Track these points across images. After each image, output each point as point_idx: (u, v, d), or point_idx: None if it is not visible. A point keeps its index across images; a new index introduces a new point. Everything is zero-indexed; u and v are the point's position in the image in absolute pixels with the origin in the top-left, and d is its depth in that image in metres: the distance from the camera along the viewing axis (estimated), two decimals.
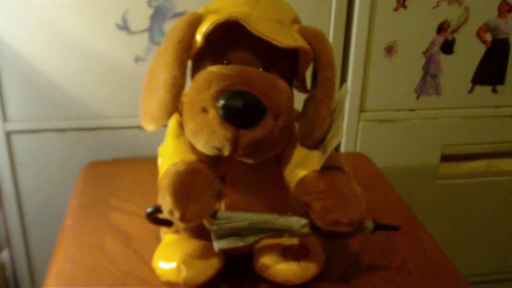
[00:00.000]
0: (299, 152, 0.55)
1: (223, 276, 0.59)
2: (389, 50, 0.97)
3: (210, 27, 0.51)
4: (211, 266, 0.58)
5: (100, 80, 0.91)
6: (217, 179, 0.53)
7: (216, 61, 0.53)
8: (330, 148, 0.53)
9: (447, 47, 1.00)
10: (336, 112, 0.55)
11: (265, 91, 0.49)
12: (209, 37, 0.52)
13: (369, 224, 0.56)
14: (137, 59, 0.90)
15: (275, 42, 0.50)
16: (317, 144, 0.55)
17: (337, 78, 0.95)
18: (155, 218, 0.55)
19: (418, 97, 1.02)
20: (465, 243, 1.19)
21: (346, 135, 1.03)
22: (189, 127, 0.51)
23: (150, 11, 0.88)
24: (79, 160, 0.90)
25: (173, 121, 0.59)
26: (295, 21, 0.57)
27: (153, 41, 0.89)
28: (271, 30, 0.51)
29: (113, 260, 0.63)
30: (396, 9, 0.95)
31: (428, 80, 1.01)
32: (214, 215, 0.52)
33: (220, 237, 0.53)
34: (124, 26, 0.88)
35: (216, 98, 0.49)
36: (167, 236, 0.62)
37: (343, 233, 0.53)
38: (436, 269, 0.64)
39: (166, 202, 0.49)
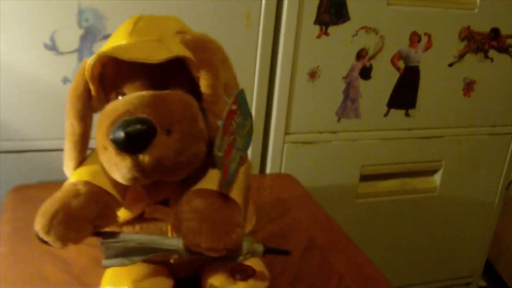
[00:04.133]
0: (211, 169, 0.56)
1: None
2: (312, 75, 1.02)
3: (88, 72, 0.53)
4: None
5: (26, 101, 0.87)
6: (100, 202, 0.53)
7: (117, 96, 0.55)
8: (220, 172, 0.53)
9: (365, 73, 1.06)
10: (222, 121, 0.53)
11: (151, 110, 0.50)
12: (103, 78, 0.55)
13: (259, 248, 0.57)
14: (65, 80, 0.88)
15: (149, 61, 0.51)
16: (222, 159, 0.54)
17: (263, 101, 1.01)
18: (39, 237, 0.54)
19: (339, 120, 1.08)
20: (385, 257, 1.26)
21: (272, 157, 1.06)
22: (104, 166, 0.53)
23: (80, 32, 0.86)
24: (3, 184, 0.86)
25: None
26: (180, 32, 0.58)
27: (82, 61, 0.88)
28: (144, 51, 0.52)
29: (54, 287, 0.61)
30: (319, 36, 0.99)
31: (348, 104, 1.07)
32: (103, 235, 0.54)
33: (110, 256, 0.54)
34: (52, 47, 0.86)
35: (107, 135, 0.50)
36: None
37: (229, 256, 0.53)
38: (371, 282, 0.68)
39: (37, 222, 0.51)
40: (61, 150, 0.90)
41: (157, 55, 0.51)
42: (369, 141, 1.12)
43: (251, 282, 0.59)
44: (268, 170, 1.07)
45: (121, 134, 0.48)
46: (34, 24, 0.84)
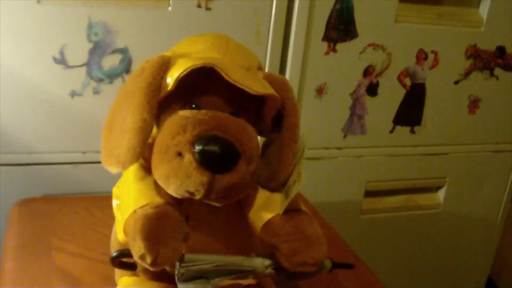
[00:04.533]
0: (262, 195, 0.57)
1: None
2: (320, 91, 1.02)
3: (185, 72, 0.51)
4: None
5: (33, 113, 0.87)
6: (184, 221, 0.53)
7: (185, 105, 0.54)
8: (293, 192, 0.55)
9: (372, 90, 1.06)
10: (297, 157, 0.57)
11: (238, 136, 0.50)
12: (179, 81, 0.52)
13: (328, 264, 0.59)
14: (73, 94, 0.88)
15: (248, 90, 0.51)
16: (279, 187, 0.57)
17: None
18: (119, 261, 0.54)
19: (345, 136, 1.08)
20: (388, 273, 1.25)
21: None
22: (161, 170, 0.51)
23: (89, 46, 0.86)
24: (8, 197, 0.86)
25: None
26: (260, 68, 0.59)
27: (90, 76, 0.88)
28: (242, 77, 0.52)
29: None
30: (327, 53, 1.00)
31: (354, 120, 1.07)
32: (181, 258, 0.52)
33: (185, 280, 0.52)
34: (61, 60, 0.86)
35: (192, 143, 0.49)
36: (125, 279, 0.60)
37: (305, 273, 0.55)
38: None
39: (137, 247, 0.48)
40: (68, 163, 0.91)
41: (256, 86, 0.52)
42: (375, 157, 1.12)
43: None
44: None
45: (216, 149, 0.48)
46: (44, 37, 0.84)
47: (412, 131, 1.13)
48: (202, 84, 0.54)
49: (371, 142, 1.11)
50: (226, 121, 0.51)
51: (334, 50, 1.00)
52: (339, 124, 1.07)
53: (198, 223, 0.58)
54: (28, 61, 0.84)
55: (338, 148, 1.08)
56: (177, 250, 0.50)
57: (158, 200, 0.53)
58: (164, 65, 0.54)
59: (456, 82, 1.13)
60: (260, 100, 0.57)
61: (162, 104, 0.55)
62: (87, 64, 0.87)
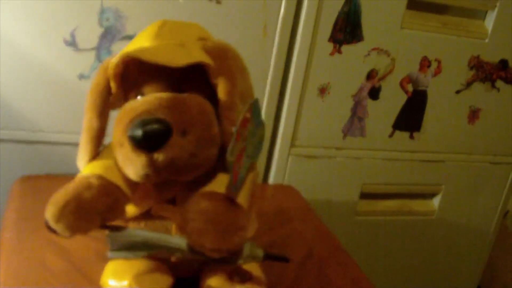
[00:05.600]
0: (220, 173, 0.57)
1: None
2: (322, 91, 1.04)
3: (111, 70, 0.55)
4: (161, 285, 0.59)
5: (41, 93, 0.89)
6: (110, 196, 0.55)
7: (136, 97, 0.57)
8: (231, 176, 0.53)
9: (374, 93, 1.08)
10: (237, 127, 0.53)
11: (169, 112, 0.52)
12: (125, 78, 0.57)
13: (259, 253, 0.59)
14: (81, 77, 0.90)
15: (170, 64, 0.53)
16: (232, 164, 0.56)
17: (272, 112, 1.02)
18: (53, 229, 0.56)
19: (344, 137, 1.09)
20: (380, 275, 1.27)
21: (276, 167, 1.07)
22: (118, 162, 0.55)
23: (100, 31, 0.88)
24: (12, 173, 0.88)
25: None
26: (202, 39, 0.60)
27: (99, 60, 0.90)
28: (166, 54, 0.54)
29: (56, 276, 0.63)
30: (332, 54, 1.02)
31: (355, 122, 1.09)
32: (110, 228, 0.56)
33: (115, 248, 0.58)
34: (72, 42, 0.88)
35: (125, 132, 0.52)
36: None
37: (229, 258, 0.55)
38: None
39: (47, 210, 0.52)
40: (73, 144, 0.93)
41: (179, 59, 0.54)
42: (372, 160, 1.14)
43: (248, 285, 0.61)
44: (271, 180, 1.08)
45: (139, 132, 0.51)
46: (56, 19, 0.86)
47: (411, 137, 1.15)
48: (143, 75, 0.56)
49: (370, 145, 1.12)
50: (154, 102, 0.53)
51: (339, 51, 1.02)
52: (340, 124, 1.08)
53: (184, 203, 0.59)
54: (39, 42, 0.87)
55: (337, 148, 1.10)
56: (88, 221, 0.53)
57: (101, 173, 0.56)
58: (106, 67, 0.57)
59: (458, 92, 1.14)
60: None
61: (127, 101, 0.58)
62: (96, 48, 0.89)
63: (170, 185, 0.59)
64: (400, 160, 1.16)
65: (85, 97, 0.89)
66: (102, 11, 0.87)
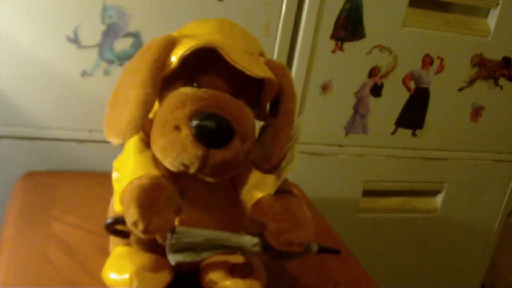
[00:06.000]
0: (255, 176, 0.59)
1: None
2: (325, 88, 1.04)
3: (188, 51, 0.53)
4: (161, 280, 0.59)
5: (44, 90, 0.90)
6: (178, 194, 0.55)
7: (187, 83, 0.56)
8: (285, 173, 0.57)
9: (376, 90, 1.08)
10: (292, 141, 0.59)
11: (235, 115, 0.53)
12: (183, 60, 0.55)
13: (314, 247, 0.61)
14: (84, 74, 0.91)
15: (247, 72, 0.54)
16: (272, 169, 0.59)
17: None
18: (113, 229, 0.56)
19: (346, 134, 1.10)
20: (382, 273, 1.27)
21: None
22: (159, 143, 0.53)
23: (102, 28, 0.89)
24: (15, 169, 0.89)
25: (134, 137, 0.60)
26: (261, 54, 0.62)
27: (102, 57, 0.90)
28: (243, 59, 0.55)
29: (58, 270, 0.63)
30: (334, 51, 1.02)
31: (357, 119, 1.09)
32: (172, 230, 0.54)
33: (176, 251, 0.55)
34: (74, 40, 0.88)
35: (190, 118, 0.51)
36: (118, 248, 0.62)
37: (291, 253, 0.57)
38: None
39: (131, 214, 0.51)
40: (76, 140, 0.94)
41: (256, 70, 0.55)
42: (375, 157, 1.14)
43: (248, 280, 0.61)
44: None
45: (212, 124, 0.51)
46: (59, 16, 0.86)
47: (414, 134, 1.15)
48: (204, 65, 0.56)
49: (372, 142, 1.12)
50: (224, 100, 0.53)
51: (341, 49, 1.02)
52: (342, 121, 1.08)
53: (192, 199, 0.60)
54: (42, 39, 0.87)
55: (339, 146, 1.10)
56: (168, 221, 0.53)
57: (155, 172, 0.56)
58: (170, 44, 0.56)
59: (460, 89, 1.14)
60: (259, 84, 0.59)
61: (165, 82, 0.58)
62: (99, 45, 0.90)
63: (183, 178, 0.58)
64: (402, 158, 1.16)
65: (87, 94, 0.91)
66: (105, 8, 0.88)
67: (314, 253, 0.61)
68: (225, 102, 0.53)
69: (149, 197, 0.52)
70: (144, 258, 0.60)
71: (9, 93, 0.88)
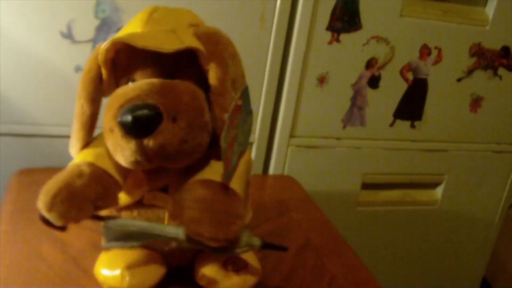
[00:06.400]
0: (214, 161, 0.57)
1: (165, 285, 0.60)
2: (321, 80, 1.03)
3: (102, 56, 0.55)
4: (154, 275, 0.59)
5: (37, 86, 0.89)
6: (102, 183, 0.55)
7: (127, 83, 0.57)
8: (223, 161, 0.54)
9: (374, 82, 1.07)
10: (229, 114, 0.54)
11: (160, 97, 0.52)
12: (115, 64, 0.57)
13: (256, 242, 0.58)
14: (78, 69, 0.90)
15: (161, 50, 0.53)
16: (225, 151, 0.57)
17: (271, 103, 1.02)
18: (45, 219, 0.55)
19: (344, 127, 1.09)
20: (382, 266, 1.27)
21: (276, 158, 1.07)
22: (109, 148, 0.55)
23: (96, 22, 0.88)
24: (10, 166, 0.88)
25: None
26: (193, 24, 0.60)
27: None
28: (157, 40, 0.54)
29: (51, 266, 0.63)
30: (330, 43, 1.01)
31: (355, 112, 1.08)
32: (104, 219, 0.56)
33: (110, 239, 0.58)
34: (68, 35, 0.88)
35: (115, 117, 0.52)
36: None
37: (227, 247, 0.55)
38: (363, 285, 0.69)
39: (39, 199, 0.53)
40: (68, 137, 0.93)
41: (170, 45, 0.53)
42: (373, 150, 1.13)
43: (242, 274, 0.60)
44: (271, 171, 1.08)
45: (128, 117, 0.50)
46: (52, 11, 0.86)
47: (412, 126, 1.14)
48: (133, 61, 0.56)
49: (370, 134, 1.11)
50: (146, 87, 0.53)
51: (338, 40, 1.01)
52: (339, 114, 1.07)
53: (176, 192, 0.59)
54: (35, 34, 0.86)
55: (337, 138, 1.09)
56: (83, 210, 0.53)
57: (92, 160, 0.56)
58: (97, 53, 0.57)
59: (459, 80, 1.13)
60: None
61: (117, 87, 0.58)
62: (93, 40, 0.89)
63: (162, 173, 0.59)
64: (401, 150, 1.15)
65: None
66: (98, 3, 0.87)
67: (257, 249, 0.59)
68: (147, 89, 0.53)
69: (61, 183, 0.53)
70: (135, 253, 0.60)
71: (2, 90, 0.88)
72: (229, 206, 0.54)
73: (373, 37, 1.03)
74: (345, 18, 0.99)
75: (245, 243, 0.58)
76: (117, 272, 0.57)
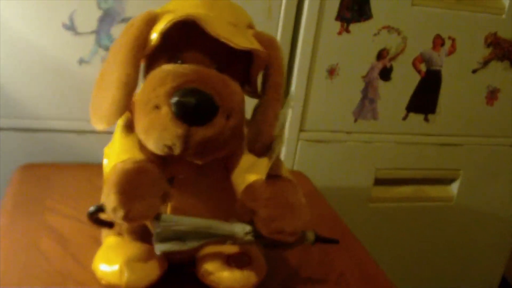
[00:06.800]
0: (248, 158, 0.56)
1: (165, 281, 0.58)
2: (331, 72, 1.00)
3: (167, 25, 0.51)
4: (154, 270, 0.57)
5: (41, 79, 0.87)
6: (164, 179, 0.52)
7: (170, 60, 0.53)
8: (275, 154, 0.54)
9: (385, 74, 1.04)
10: (281, 118, 0.55)
11: (219, 90, 0.50)
12: (165, 36, 0.52)
13: (311, 236, 0.57)
14: (81, 61, 0.88)
15: (231, 44, 0.50)
16: (263, 149, 0.55)
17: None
18: (96, 218, 0.54)
19: (355, 120, 1.06)
20: (395, 264, 1.23)
21: (285, 153, 1.04)
22: (141, 124, 0.51)
23: (98, 13, 0.86)
24: (14, 161, 0.87)
25: (121, 121, 0.58)
26: (250, 26, 0.58)
27: (99, 44, 0.88)
28: (227, 31, 0.52)
29: (48, 260, 0.61)
30: (340, 33, 0.98)
31: (366, 104, 1.05)
32: (158, 217, 0.51)
33: (162, 240, 0.52)
34: (70, 26, 0.86)
35: (170, 95, 0.48)
36: (109, 239, 0.60)
37: (285, 243, 0.54)
38: (372, 281, 0.66)
39: (110, 200, 0.48)
40: (75, 131, 0.92)
41: (241, 41, 0.51)
42: (385, 144, 1.10)
43: (246, 270, 0.58)
44: None
45: (191, 100, 0.47)
46: (54, 3, 0.84)
47: (426, 119, 1.11)
48: (187, 40, 0.53)
49: (382, 128, 1.08)
50: (207, 75, 0.50)
51: (347, 31, 0.98)
52: (350, 107, 1.05)
53: (184, 185, 0.57)
54: (37, 26, 0.85)
55: (348, 132, 1.06)
56: (152, 207, 0.50)
57: (140, 156, 0.53)
58: (151, 21, 0.53)
59: (474, 71, 1.09)
60: (248, 59, 0.56)
61: (149, 60, 0.55)
62: (96, 32, 0.87)
63: (173, 164, 0.56)
64: (415, 144, 1.12)
65: (85, 82, 0.89)
66: None
67: (311, 243, 0.58)
68: (208, 77, 0.50)
69: (131, 182, 0.49)
70: (135, 248, 0.58)
71: (5, 84, 0.86)
72: (298, 197, 0.54)
73: (384, 27, 1.00)
74: (355, 8, 0.96)
75: (302, 237, 0.57)
76: (116, 267, 0.55)
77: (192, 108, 0.47)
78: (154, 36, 0.52)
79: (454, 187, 1.22)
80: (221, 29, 0.51)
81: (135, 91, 0.52)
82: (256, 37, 0.55)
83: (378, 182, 1.14)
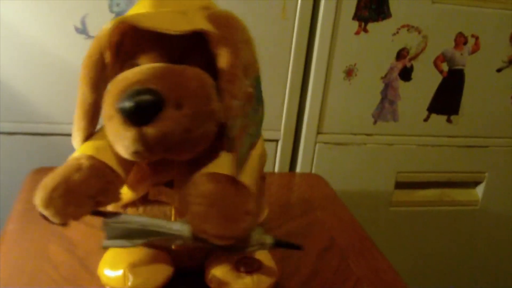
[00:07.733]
0: (223, 153, 0.53)
1: (173, 286, 0.56)
2: (349, 73, 0.98)
3: (105, 38, 0.51)
4: (159, 275, 0.55)
5: (54, 84, 0.87)
6: (102, 177, 0.51)
7: (131, 67, 0.52)
8: (237, 145, 0.51)
9: (405, 74, 1.01)
10: (240, 102, 0.52)
11: (164, 82, 0.48)
12: (120, 48, 0.52)
13: (268, 240, 0.54)
14: None
15: (166, 31, 0.48)
16: (228, 142, 0.52)
17: (296, 98, 0.97)
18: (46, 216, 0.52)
19: (375, 122, 1.03)
20: (417, 270, 1.20)
21: (303, 156, 1.02)
22: (109, 139, 0.50)
23: (111, 16, 0.86)
24: (26, 165, 0.86)
25: None
26: (206, 7, 0.55)
27: None
28: (164, 21, 0.50)
29: (55, 267, 0.60)
30: (357, 33, 0.96)
31: (386, 106, 1.02)
32: (105, 215, 0.52)
33: (111, 237, 0.52)
34: (82, 30, 0.85)
35: (114, 104, 0.48)
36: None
37: (235, 246, 0.50)
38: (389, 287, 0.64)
39: (36, 195, 0.49)
40: None
41: (179, 26, 0.49)
42: (407, 147, 1.07)
43: (256, 276, 0.56)
44: (298, 169, 1.04)
45: (128, 103, 0.46)
46: (66, 7, 0.84)
47: (449, 121, 1.08)
48: (139, 44, 0.52)
49: (403, 130, 1.06)
50: (152, 72, 0.49)
51: (365, 30, 0.96)
52: (369, 109, 1.02)
53: (182, 186, 0.55)
54: (49, 30, 0.85)
55: (368, 135, 1.04)
56: (78, 205, 0.49)
57: (92, 153, 0.52)
58: (101, 36, 0.52)
59: (499, 70, 1.06)
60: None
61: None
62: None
63: (166, 166, 0.55)
64: (437, 146, 1.09)
65: None
66: None
67: (269, 248, 0.55)
68: (151, 73, 0.48)
69: (59, 178, 0.49)
70: (140, 252, 0.56)
71: (18, 88, 0.86)
72: (238, 201, 0.50)
73: (403, 26, 0.97)
74: (373, 6, 0.94)
75: (256, 242, 0.53)
76: (120, 272, 0.54)
77: (131, 110, 0.46)
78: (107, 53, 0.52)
79: (479, 190, 1.18)
80: (158, 20, 0.50)
81: (94, 108, 0.53)
82: (211, 18, 0.52)
83: (399, 185, 1.11)
